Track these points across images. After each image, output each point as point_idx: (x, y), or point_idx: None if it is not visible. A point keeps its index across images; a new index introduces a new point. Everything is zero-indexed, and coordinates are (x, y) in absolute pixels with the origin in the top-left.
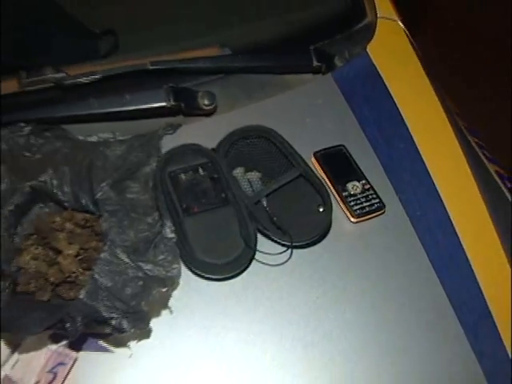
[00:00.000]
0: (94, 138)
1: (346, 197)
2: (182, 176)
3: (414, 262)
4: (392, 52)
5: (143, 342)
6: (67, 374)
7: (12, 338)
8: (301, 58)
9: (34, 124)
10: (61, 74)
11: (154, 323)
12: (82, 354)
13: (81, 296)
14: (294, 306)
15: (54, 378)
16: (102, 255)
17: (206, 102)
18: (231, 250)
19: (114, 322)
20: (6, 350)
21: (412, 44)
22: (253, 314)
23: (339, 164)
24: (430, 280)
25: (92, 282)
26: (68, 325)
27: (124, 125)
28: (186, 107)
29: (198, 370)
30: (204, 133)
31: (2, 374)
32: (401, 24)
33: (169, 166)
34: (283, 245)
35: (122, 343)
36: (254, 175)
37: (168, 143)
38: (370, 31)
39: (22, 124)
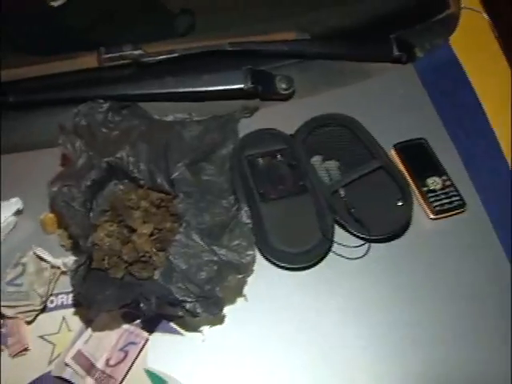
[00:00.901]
0: (170, 118)
1: (426, 192)
2: (260, 161)
3: (494, 266)
4: (475, 44)
5: (216, 328)
6: (138, 353)
7: (86, 313)
8: (381, 47)
9: (112, 101)
10: (139, 52)
11: (227, 310)
12: (153, 334)
13: (155, 277)
14: (368, 300)
15: (125, 357)
16: (178, 237)
17: (284, 87)
18: (307, 240)
19: (187, 306)
20: (80, 324)
21: (496, 37)
22: (325, 306)
23: (419, 158)
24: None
25: (167, 263)
26: (142, 305)
27: (200, 105)
28: (263, 91)
29: (270, 359)
30: (281, 118)
31: (76, 348)
32: (485, 15)
33: (246, 150)
34: (360, 237)
35: (194, 327)
36: (332, 164)
37: (244, 126)
38: (452, 22)
39: (101, 100)
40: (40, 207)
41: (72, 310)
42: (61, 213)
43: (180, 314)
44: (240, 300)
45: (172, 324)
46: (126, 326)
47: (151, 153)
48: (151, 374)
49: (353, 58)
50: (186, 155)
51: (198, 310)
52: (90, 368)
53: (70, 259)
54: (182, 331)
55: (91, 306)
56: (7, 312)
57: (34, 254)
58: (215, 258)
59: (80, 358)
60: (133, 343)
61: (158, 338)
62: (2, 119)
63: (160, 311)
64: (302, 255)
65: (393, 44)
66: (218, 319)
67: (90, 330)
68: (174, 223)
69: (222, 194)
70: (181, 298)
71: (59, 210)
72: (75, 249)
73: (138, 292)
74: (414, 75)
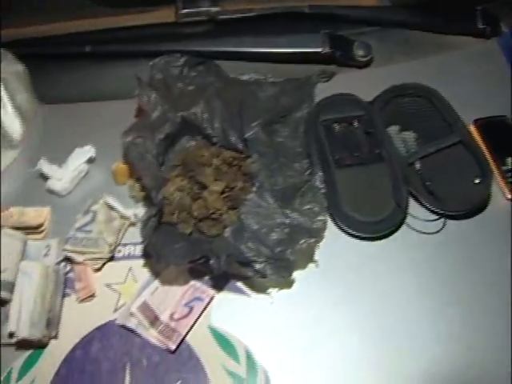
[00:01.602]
0: (245, 77)
1: (506, 171)
2: (336, 126)
3: None
4: None
5: (284, 291)
6: (203, 310)
7: (154, 265)
8: (465, 19)
9: (189, 56)
10: (216, 8)
11: (296, 274)
12: (219, 293)
13: (226, 234)
14: (438, 277)
15: (190, 312)
16: (250, 196)
17: (362, 54)
18: (381, 210)
19: (257, 266)
20: (146, 276)
21: None
22: (394, 278)
23: (501, 135)
24: None
25: (237, 222)
26: (212, 261)
27: (274, 67)
28: (341, 56)
29: (335, 329)
30: (357, 85)
31: (142, 299)
32: None
33: (322, 114)
34: (434, 212)
35: (262, 289)
36: (409, 135)
37: (320, 91)
38: None
39: (178, 55)
40: (112, 157)
41: (139, 261)
42: (134, 163)
43: (249, 274)
44: (310, 266)
45: (239, 284)
46: (192, 282)
47: (225, 111)
48: (215, 332)
49: (435, 29)
50: (261, 115)
51: (268, 272)
52: (154, 320)
53: (141, 210)
54: (248, 292)
55: (160, 259)
56: (76, 257)
57: (105, 202)
58: (287, 221)
59: (145, 309)
60: (198, 299)
61: (223, 297)
62: (79, 69)
63: (228, 270)
64: (374, 224)
65: (478, 17)
66: (287, 283)
67: (156, 282)
68: (246, 183)
69: (295, 157)
70: (251, 258)
71: (132, 160)
72: (146, 200)
73: (207, 248)
74: (498, 50)
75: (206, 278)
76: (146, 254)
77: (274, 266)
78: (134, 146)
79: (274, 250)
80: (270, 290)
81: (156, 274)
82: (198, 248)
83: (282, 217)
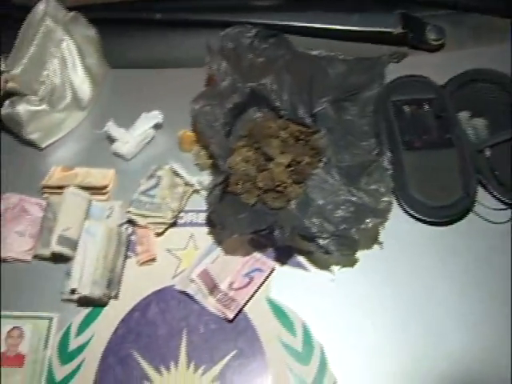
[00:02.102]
0: (315, 52)
1: None
2: (406, 108)
3: None
4: None
5: (346, 270)
6: (263, 281)
7: (216, 233)
8: None
9: (260, 28)
10: None
11: (360, 254)
12: (279, 266)
13: (291, 207)
14: (497, 268)
15: (249, 283)
16: (317, 171)
17: (434, 37)
18: (448, 195)
19: (321, 242)
20: (207, 243)
21: None
22: (453, 265)
23: None
24: None
25: (303, 196)
26: (276, 233)
27: (344, 45)
28: (413, 38)
29: (393, 311)
30: (428, 68)
31: (202, 266)
32: None
33: (393, 95)
34: (502, 202)
35: (323, 265)
36: (480, 122)
37: (389, 72)
38: None
39: (249, 26)
40: (179, 124)
41: (200, 228)
42: (202, 131)
43: (311, 249)
44: (374, 246)
45: (300, 258)
46: (253, 253)
47: (295, 84)
48: (273, 305)
49: (509, 15)
50: (330, 92)
51: (332, 248)
52: (213, 288)
53: (205, 178)
54: (309, 267)
55: (224, 227)
56: (139, 221)
57: (170, 168)
58: (353, 199)
59: (205, 276)
60: (259, 270)
61: (283, 270)
62: (149, 35)
63: (291, 243)
64: (441, 209)
65: None
66: (350, 261)
67: (217, 250)
68: (312, 158)
69: (362, 135)
70: (315, 233)
71: (200, 128)
72: (211, 168)
73: (272, 220)
74: None
75: (267, 250)
76: (209, 222)
77: (337, 243)
78: (202, 113)
79: (339, 227)
80: (331, 267)
81: (218, 242)
82: (263, 219)
83: (348, 194)
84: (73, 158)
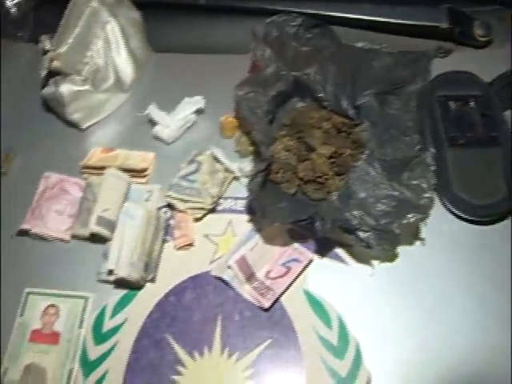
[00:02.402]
0: (360, 45)
1: None
2: (452, 104)
3: None
4: None
5: (385, 265)
6: (300, 272)
7: (255, 221)
8: None
9: (305, 17)
10: None
11: (400, 250)
12: (317, 257)
13: (333, 199)
14: None
15: (287, 273)
16: (359, 164)
17: (482, 33)
18: (492, 194)
19: (361, 235)
20: (245, 231)
21: None
22: (491, 265)
23: None
24: None
25: (345, 188)
26: (317, 224)
27: (389, 38)
28: (460, 34)
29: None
30: (474, 65)
31: (240, 253)
32: None
33: (438, 90)
34: None
35: (362, 259)
36: None
37: (435, 67)
38: None
39: (295, 15)
40: (221, 110)
41: (239, 215)
42: (245, 117)
43: (351, 242)
44: (414, 242)
45: (339, 250)
46: (291, 243)
47: (339, 76)
48: (310, 296)
49: None
50: (374, 85)
51: (372, 242)
52: (250, 276)
53: (245, 165)
54: (348, 260)
55: (265, 215)
56: (178, 205)
57: (211, 154)
58: (395, 193)
59: (243, 263)
60: (296, 260)
61: (321, 262)
62: (193, 20)
63: (331, 235)
64: (484, 208)
65: None
66: (390, 256)
67: (256, 238)
68: (355, 150)
69: (405, 130)
70: (356, 226)
71: (243, 114)
72: (253, 155)
73: (313, 211)
74: None
75: (306, 241)
76: (248, 209)
77: (378, 237)
78: (245, 100)
79: (380, 221)
80: (370, 262)
81: (257, 230)
82: (303, 209)
83: (390, 189)
84: (113, 139)
